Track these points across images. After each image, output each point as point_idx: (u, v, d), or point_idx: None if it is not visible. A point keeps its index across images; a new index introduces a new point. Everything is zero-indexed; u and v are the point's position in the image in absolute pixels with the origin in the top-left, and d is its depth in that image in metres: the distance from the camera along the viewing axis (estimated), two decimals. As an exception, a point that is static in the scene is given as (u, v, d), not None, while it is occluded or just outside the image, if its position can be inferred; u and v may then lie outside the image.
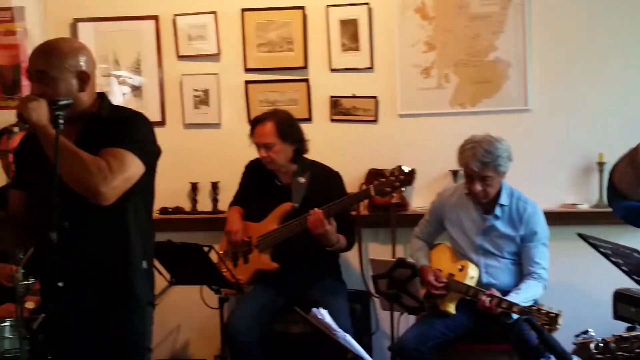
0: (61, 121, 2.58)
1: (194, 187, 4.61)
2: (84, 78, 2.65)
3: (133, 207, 2.65)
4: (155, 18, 4.55)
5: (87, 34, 4.53)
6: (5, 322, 3.44)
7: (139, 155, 2.61)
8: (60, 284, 2.55)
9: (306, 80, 4.51)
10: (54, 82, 2.59)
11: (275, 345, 3.97)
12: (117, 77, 4.63)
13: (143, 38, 4.58)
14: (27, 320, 3.37)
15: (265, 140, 3.95)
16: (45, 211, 2.50)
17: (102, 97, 2.74)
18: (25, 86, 4.61)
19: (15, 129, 2.52)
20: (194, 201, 4.62)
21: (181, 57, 4.58)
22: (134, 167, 2.60)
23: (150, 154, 2.69)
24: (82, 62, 2.65)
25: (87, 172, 2.50)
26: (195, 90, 4.59)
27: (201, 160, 4.62)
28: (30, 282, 3.39)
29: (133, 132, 2.67)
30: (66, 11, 4.58)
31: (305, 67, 4.50)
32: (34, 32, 4.59)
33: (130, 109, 2.86)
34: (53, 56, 2.62)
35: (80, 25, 4.56)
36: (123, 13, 4.56)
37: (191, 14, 4.52)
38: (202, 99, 4.59)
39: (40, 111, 2.50)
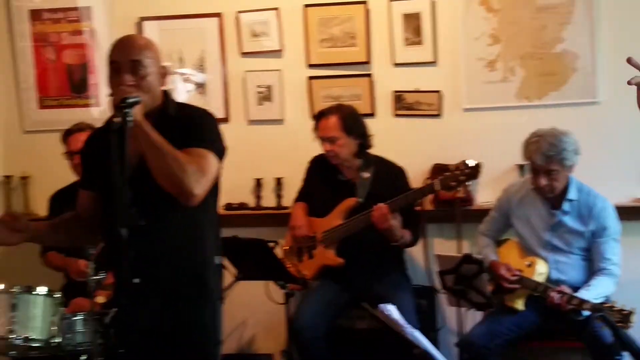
0: (129, 119, 2.61)
1: (258, 183, 4.63)
2: (164, 73, 2.70)
3: (205, 203, 2.65)
4: (218, 15, 4.58)
5: (152, 32, 4.59)
6: (77, 316, 3.52)
7: (216, 155, 2.64)
8: (136, 280, 2.60)
9: (369, 75, 4.49)
10: (146, 72, 2.61)
11: (341, 341, 3.97)
12: (181, 74, 4.68)
13: (207, 35, 4.62)
14: (98, 314, 3.45)
15: (330, 134, 3.95)
16: (117, 209, 2.54)
17: (165, 94, 2.76)
18: (92, 85, 4.70)
19: (117, 120, 2.46)
20: (258, 197, 4.65)
21: (244, 54, 4.61)
22: (214, 166, 2.63)
23: (222, 151, 2.71)
24: (161, 57, 2.70)
25: (184, 172, 2.51)
26: (259, 86, 4.61)
27: (265, 156, 4.65)
28: (101, 276, 3.46)
29: (208, 131, 2.69)
30: (132, 10, 4.65)
31: (368, 62, 4.49)
32: (101, 31, 4.68)
33: (195, 106, 2.88)
34: (145, 48, 2.64)
35: (146, 23, 4.63)
36: (187, 11, 4.61)
37: (254, 10, 4.54)
38: (266, 95, 4.61)
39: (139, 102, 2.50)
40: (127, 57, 2.61)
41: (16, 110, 4.78)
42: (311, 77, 4.54)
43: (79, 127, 4.14)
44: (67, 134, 4.16)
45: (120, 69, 2.60)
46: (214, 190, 2.74)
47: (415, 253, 4.39)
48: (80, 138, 4.07)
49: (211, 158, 2.61)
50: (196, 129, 2.66)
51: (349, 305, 3.99)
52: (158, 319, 2.68)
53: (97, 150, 2.76)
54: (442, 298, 4.11)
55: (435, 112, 4.44)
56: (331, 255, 3.99)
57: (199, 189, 2.54)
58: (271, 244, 3.75)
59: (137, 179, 2.56)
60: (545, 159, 3.59)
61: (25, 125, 4.80)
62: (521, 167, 4.24)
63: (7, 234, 2.67)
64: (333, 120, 3.95)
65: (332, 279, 4.00)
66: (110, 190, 2.59)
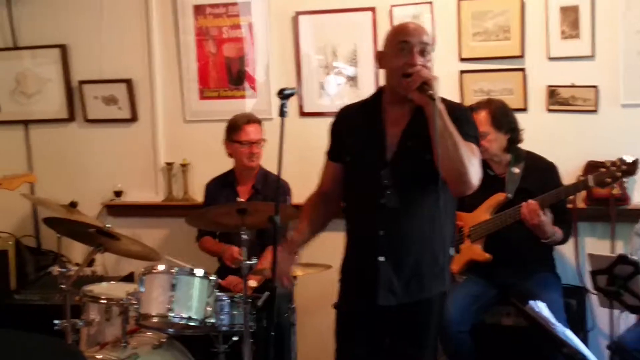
0: (285, 109, 2.73)
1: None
2: None
3: (445, 194, 2.71)
4: (372, 9, 4.62)
5: (307, 27, 4.72)
6: (230, 298, 3.67)
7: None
8: (381, 258, 2.72)
9: (522, 70, 4.41)
10: (431, 56, 2.74)
11: (486, 336, 3.94)
12: (333, 67, 4.76)
13: (360, 29, 4.66)
14: (251, 298, 3.59)
15: (480, 128, 3.90)
16: (366, 187, 2.72)
17: None
18: (249, 77, 4.87)
19: (431, 92, 2.58)
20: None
21: (395, 48, 4.63)
22: None
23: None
24: None
25: (470, 164, 2.61)
26: (410, 80, 4.62)
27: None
28: (253, 262, 3.60)
29: (474, 125, 2.81)
30: (289, 5, 4.75)
31: (521, 56, 4.40)
32: (258, 25, 4.82)
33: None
34: (428, 34, 2.77)
35: (301, 17, 4.73)
36: (341, 5, 4.67)
37: (407, 4, 4.54)
38: (417, 89, 4.61)
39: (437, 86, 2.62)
40: (419, 38, 2.72)
41: (179, 101, 5.01)
42: (463, 71, 4.51)
43: (248, 119, 4.30)
44: (245, 123, 4.30)
45: (411, 50, 2.70)
46: None
47: (566, 251, 4.29)
48: (247, 130, 4.25)
49: (479, 153, 2.71)
50: (467, 122, 2.75)
51: (495, 301, 3.96)
52: (396, 296, 2.78)
53: (351, 125, 2.91)
54: (594, 299, 4.00)
55: (591, 108, 4.30)
56: (478, 250, 3.97)
57: (477, 181, 2.65)
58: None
59: (396, 162, 2.70)
60: None
61: (186, 115, 5.02)
62: (682, 167, 4.05)
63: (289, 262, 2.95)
64: (483, 115, 3.92)
65: (479, 274, 3.98)
66: (357, 165, 2.79)
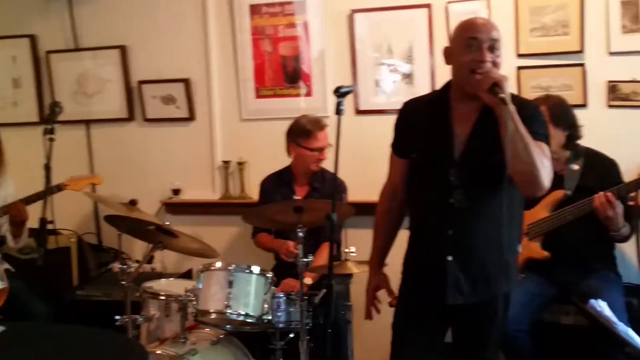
0: (342, 107, 2.73)
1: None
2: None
3: (514, 193, 2.71)
4: (428, 6, 4.60)
5: (362, 24, 4.72)
6: (287, 295, 3.69)
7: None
8: (449, 258, 2.72)
9: (582, 65, 4.34)
10: (500, 52, 2.70)
11: (545, 335, 3.89)
12: (389, 65, 4.76)
13: (415, 26, 4.65)
14: (307, 295, 3.61)
15: (538, 126, 3.87)
16: (433, 185, 2.72)
17: None
18: (304, 75, 4.89)
19: (502, 96, 2.55)
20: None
21: (453, 44, 4.60)
22: None
23: None
24: None
25: (542, 166, 2.59)
26: (468, 76, 4.59)
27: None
28: (309, 259, 3.62)
29: (545, 124, 2.77)
30: (344, 3, 4.75)
31: (581, 51, 4.33)
32: (314, 24, 4.84)
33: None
34: (498, 29, 2.73)
35: (356, 15, 4.73)
36: (397, 3, 4.66)
37: (464, 0, 4.51)
38: (474, 85, 4.58)
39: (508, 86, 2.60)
40: (489, 35, 2.68)
41: (236, 99, 5.05)
42: (520, 67, 4.45)
43: (320, 126, 4.31)
44: (318, 130, 4.30)
45: (479, 46, 2.68)
46: None
47: (627, 250, 4.20)
48: (318, 137, 4.25)
49: (549, 153, 2.68)
50: (537, 121, 2.72)
51: (554, 299, 3.90)
52: (463, 295, 2.78)
53: (416, 121, 2.90)
54: (656, 298, 3.92)
55: (653, 103, 4.23)
56: (537, 248, 3.92)
57: (549, 183, 2.62)
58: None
59: (464, 161, 2.69)
60: None
61: (242, 114, 5.06)
62: None
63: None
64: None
65: (538, 272, 3.92)
66: (424, 163, 2.79)
